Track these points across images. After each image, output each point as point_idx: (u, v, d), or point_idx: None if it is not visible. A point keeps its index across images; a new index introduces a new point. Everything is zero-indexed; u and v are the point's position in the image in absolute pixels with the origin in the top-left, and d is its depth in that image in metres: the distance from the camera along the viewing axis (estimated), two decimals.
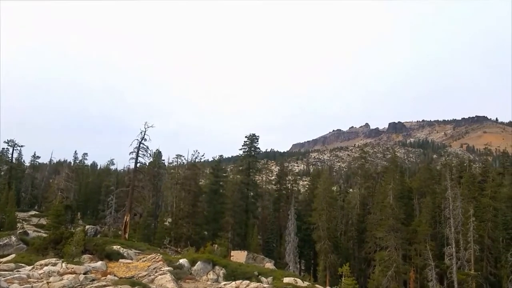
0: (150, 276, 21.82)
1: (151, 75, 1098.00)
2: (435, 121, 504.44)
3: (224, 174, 63.07)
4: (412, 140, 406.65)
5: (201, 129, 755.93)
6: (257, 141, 63.11)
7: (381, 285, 42.52)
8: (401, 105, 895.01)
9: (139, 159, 43.03)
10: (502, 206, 52.11)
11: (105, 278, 18.92)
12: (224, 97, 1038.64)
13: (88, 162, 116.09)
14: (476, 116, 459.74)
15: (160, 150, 71.09)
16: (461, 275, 40.40)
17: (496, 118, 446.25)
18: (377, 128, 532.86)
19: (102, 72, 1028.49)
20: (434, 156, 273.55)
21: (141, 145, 42.62)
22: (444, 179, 49.90)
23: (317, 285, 27.75)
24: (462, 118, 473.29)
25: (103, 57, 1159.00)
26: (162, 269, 22.80)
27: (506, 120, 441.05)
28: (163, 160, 74.25)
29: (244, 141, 63.04)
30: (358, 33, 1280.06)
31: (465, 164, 75.02)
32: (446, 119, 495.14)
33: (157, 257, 26.21)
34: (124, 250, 27.72)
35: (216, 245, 40.59)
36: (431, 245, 45.05)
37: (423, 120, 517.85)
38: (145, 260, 25.86)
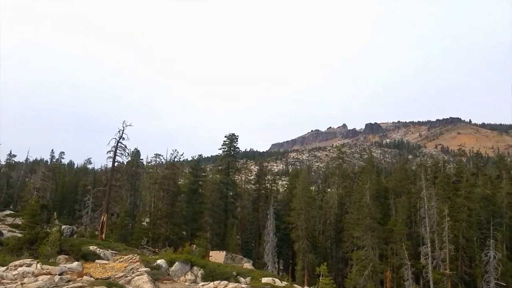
0: (127, 277, 21.60)
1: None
2: (410, 122, 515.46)
3: (203, 174, 62.72)
4: (388, 140, 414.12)
5: (182, 128, 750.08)
6: (237, 141, 63.09)
7: (358, 285, 43.07)
8: (377, 106, 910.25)
9: (117, 158, 42.41)
10: (476, 206, 53.60)
11: (81, 279, 18.67)
12: (204, 98, 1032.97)
13: (65, 161, 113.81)
14: (450, 117, 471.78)
15: (139, 149, 70.32)
16: (436, 275, 41.29)
17: (470, 120, 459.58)
18: (354, 128, 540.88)
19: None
20: (410, 156, 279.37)
21: (119, 144, 41.99)
22: (419, 179, 50.97)
23: (295, 285, 27.90)
24: (436, 120, 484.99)
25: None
26: (139, 270, 22.62)
27: (480, 122, 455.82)
28: (142, 159, 73.50)
29: (224, 141, 62.97)
30: (337, 35, 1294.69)
31: (439, 165, 76.91)
32: (421, 120, 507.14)
33: (134, 257, 25.90)
34: (101, 250, 27.29)
35: (194, 246, 40.34)
36: (407, 244, 45.88)
37: (398, 121, 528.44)
38: (122, 261, 25.53)
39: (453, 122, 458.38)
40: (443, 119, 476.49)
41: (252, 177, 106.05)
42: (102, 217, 40.55)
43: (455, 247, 45.91)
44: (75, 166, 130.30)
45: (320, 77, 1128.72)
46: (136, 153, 66.74)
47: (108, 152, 42.18)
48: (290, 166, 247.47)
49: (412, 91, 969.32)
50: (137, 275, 21.61)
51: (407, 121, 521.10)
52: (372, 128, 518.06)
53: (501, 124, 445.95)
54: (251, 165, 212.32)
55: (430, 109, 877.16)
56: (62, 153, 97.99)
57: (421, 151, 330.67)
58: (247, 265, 39.89)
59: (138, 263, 24.44)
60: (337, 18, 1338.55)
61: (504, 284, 41.29)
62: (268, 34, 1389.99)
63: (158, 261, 25.05)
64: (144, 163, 74.62)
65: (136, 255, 26.89)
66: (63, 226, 51.71)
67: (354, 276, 44.12)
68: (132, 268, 23.51)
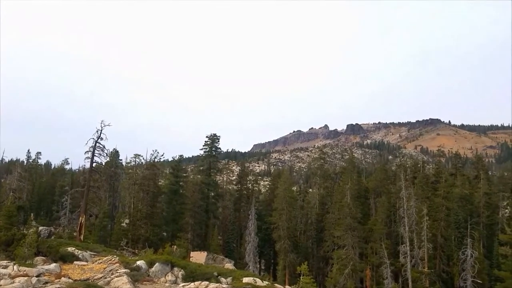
0: (106, 278, 21.54)
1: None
2: (390, 123, 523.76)
3: (184, 174, 62.27)
4: (369, 141, 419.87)
5: (164, 127, 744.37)
6: (218, 141, 62.94)
7: (339, 283, 43.46)
8: (359, 107, 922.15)
9: (95, 158, 41.65)
10: (454, 205, 54.77)
11: (59, 281, 18.53)
12: (185, 97, 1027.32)
13: (42, 161, 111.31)
14: (430, 118, 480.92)
15: (117, 150, 69.39)
16: (415, 273, 41.99)
17: (449, 121, 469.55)
18: (336, 129, 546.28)
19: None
20: (390, 157, 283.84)
21: (98, 144, 41.29)
22: (399, 180, 51.77)
23: (276, 285, 27.96)
24: (416, 121, 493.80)
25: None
26: (118, 271, 22.54)
27: (459, 123, 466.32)
28: (121, 159, 72.55)
29: (205, 141, 62.67)
30: (319, 35, 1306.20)
31: (419, 165, 78.27)
32: (401, 122, 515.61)
33: (113, 259, 25.69)
34: (79, 252, 26.92)
35: (175, 246, 40.00)
36: (387, 243, 46.56)
37: (379, 122, 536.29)
38: (101, 262, 25.38)
39: (433, 123, 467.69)
40: (423, 120, 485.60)
41: (234, 177, 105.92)
42: (80, 218, 39.87)
43: (433, 246, 46.80)
44: (52, 166, 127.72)
45: (303, 79, 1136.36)
46: (115, 154, 65.84)
47: (86, 152, 41.44)
48: (272, 166, 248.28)
49: (394, 92, 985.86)
50: (117, 276, 21.55)
51: (388, 122, 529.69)
52: (353, 129, 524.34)
53: (479, 125, 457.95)
54: (233, 166, 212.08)
55: (411, 110, 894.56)
56: (39, 153, 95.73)
57: (401, 151, 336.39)
58: (229, 265, 39.82)
59: (117, 264, 24.32)
60: (318, 19, 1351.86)
61: (480, 282, 42.24)
62: (246, 32, 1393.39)
63: (138, 262, 24.86)
64: (123, 163, 73.69)
65: (115, 256, 26.69)
66: (40, 228, 50.54)
67: (335, 275, 44.51)
68: (111, 270, 23.37)
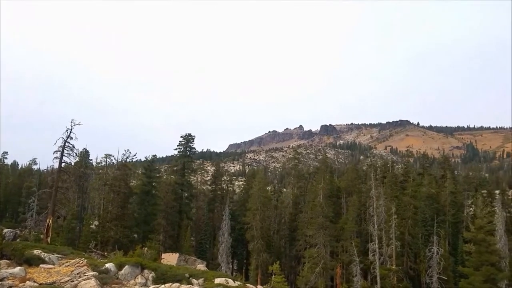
0: (73, 281, 21.30)
1: None
2: (362, 124, 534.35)
3: (158, 175, 61.41)
4: (341, 142, 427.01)
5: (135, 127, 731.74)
6: (193, 141, 62.37)
7: (310, 282, 44.02)
8: (332, 108, 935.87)
9: (64, 158, 40.70)
10: (421, 204, 56.47)
11: (24, 285, 18.15)
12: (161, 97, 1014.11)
13: (8, 161, 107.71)
14: (399, 120, 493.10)
15: (88, 149, 67.78)
16: (383, 270, 42.97)
17: (418, 122, 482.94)
18: (310, 130, 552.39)
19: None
20: (361, 157, 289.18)
21: (67, 144, 40.34)
22: (369, 179, 52.84)
23: (248, 284, 28.13)
24: (386, 122, 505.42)
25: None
26: (86, 274, 22.33)
27: (427, 124, 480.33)
28: (91, 160, 70.88)
29: (180, 141, 61.99)
30: (293, 34, 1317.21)
31: (388, 165, 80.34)
32: (373, 123, 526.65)
33: (81, 261, 25.27)
34: (46, 254, 26.43)
35: (146, 248, 39.47)
36: (357, 241, 47.46)
37: (352, 123, 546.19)
38: (68, 265, 24.99)
39: (402, 125, 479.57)
40: (393, 121, 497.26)
41: (209, 177, 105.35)
42: (48, 220, 38.88)
43: (401, 243, 48.04)
44: (19, 166, 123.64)
45: (279, 80, 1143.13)
46: (84, 153, 64.33)
47: (54, 152, 40.42)
48: (247, 166, 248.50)
49: (366, 93, 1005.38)
50: (84, 280, 21.34)
51: (360, 123, 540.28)
52: (327, 129, 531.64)
53: (446, 126, 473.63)
54: (208, 166, 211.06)
55: (382, 112, 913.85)
56: (5, 153, 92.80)
57: (372, 152, 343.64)
58: (201, 266, 39.72)
59: (85, 267, 24.04)
60: (295, 20, 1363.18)
61: (446, 278, 43.62)
62: (223, 31, 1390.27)
63: (107, 265, 24.62)
64: (94, 163, 72.12)
65: (83, 259, 26.27)
66: (5, 230, 49.00)
67: (306, 274, 45.05)
68: (79, 272, 23.13)
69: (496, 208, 53.17)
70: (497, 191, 69.49)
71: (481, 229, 38.33)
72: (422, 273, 48.91)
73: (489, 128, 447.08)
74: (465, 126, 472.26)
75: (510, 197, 73.36)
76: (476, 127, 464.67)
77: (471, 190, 70.01)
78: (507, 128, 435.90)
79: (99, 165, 70.50)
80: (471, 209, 62.59)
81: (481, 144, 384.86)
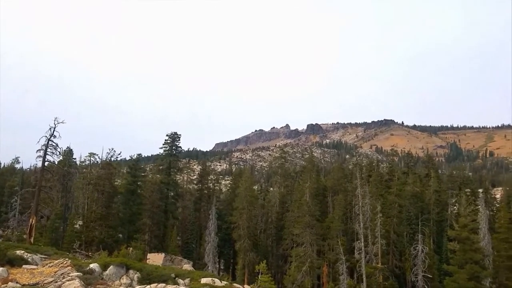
0: (56, 282, 21.18)
1: None
2: (348, 123, 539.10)
3: (143, 174, 60.71)
4: (328, 141, 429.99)
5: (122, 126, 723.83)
6: (179, 140, 61.92)
7: (296, 280, 44.14)
8: (319, 108, 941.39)
9: (48, 157, 40.07)
10: (406, 203, 57.12)
11: (6, 286, 18.03)
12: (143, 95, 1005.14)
13: None
14: (384, 119, 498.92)
15: (71, 148, 66.66)
16: (369, 268, 43.34)
17: (402, 122, 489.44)
18: (297, 129, 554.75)
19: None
20: (347, 156, 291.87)
21: (50, 143, 39.67)
22: (355, 178, 53.26)
23: (235, 284, 28.04)
24: (372, 121, 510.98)
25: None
26: (70, 275, 22.19)
27: (411, 124, 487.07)
28: (75, 158, 69.84)
29: (165, 140, 61.48)
30: (280, 33, 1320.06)
31: (373, 164, 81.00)
32: (358, 122, 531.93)
33: (65, 262, 24.98)
34: (29, 255, 26.08)
35: (131, 248, 39.06)
36: (343, 240, 47.77)
37: (337, 123, 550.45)
38: (52, 266, 24.73)
39: (387, 124, 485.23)
40: (378, 121, 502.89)
41: (195, 177, 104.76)
42: (31, 220, 38.20)
43: (387, 242, 48.58)
44: (1, 165, 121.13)
45: (266, 78, 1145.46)
46: (68, 152, 63.25)
47: (37, 151, 39.81)
48: (233, 165, 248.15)
49: (352, 92, 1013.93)
50: (68, 280, 21.21)
51: (346, 122, 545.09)
52: (314, 128, 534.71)
53: (430, 126, 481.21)
54: (194, 165, 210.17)
55: (368, 111, 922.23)
56: None
57: (358, 151, 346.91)
58: (187, 266, 39.46)
59: (69, 267, 23.87)
60: (278, 19, 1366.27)
61: (431, 276, 44.22)
62: (209, 30, 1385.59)
63: (91, 265, 24.39)
64: (78, 162, 71.05)
65: (67, 259, 25.99)
66: None
67: (293, 273, 45.16)
68: (62, 273, 22.96)
69: (479, 206, 54.15)
70: (480, 190, 70.89)
71: (465, 227, 38.94)
72: (408, 271, 49.45)
73: (472, 128, 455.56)
74: (449, 126, 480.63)
75: (493, 196, 74.92)
76: (459, 126, 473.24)
77: (455, 188, 71.01)
78: (490, 127, 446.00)
79: (83, 164, 69.55)
80: (455, 207, 63.53)
81: (464, 143, 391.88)
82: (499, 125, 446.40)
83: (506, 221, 43.24)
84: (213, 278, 25.82)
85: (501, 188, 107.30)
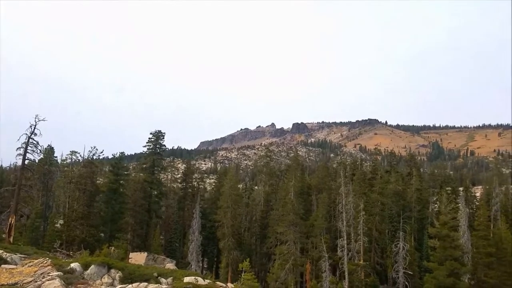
0: (36, 282, 21.03)
1: None
2: (333, 122, 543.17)
3: (126, 172, 59.98)
4: (313, 140, 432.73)
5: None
6: (163, 138, 61.29)
7: (280, 278, 44.32)
8: (304, 107, 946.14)
9: (28, 155, 39.37)
10: (388, 201, 57.96)
11: None
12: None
13: None
14: (368, 119, 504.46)
15: (52, 146, 65.44)
16: (351, 266, 43.85)
17: (386, 121, 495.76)
18: (282, 128, 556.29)
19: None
20: (332, 155, 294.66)
21: (31, 140, 38.96)
22: (339, 177, 53.73)
23: (218, 282, 28.02)
24: (356, 121, 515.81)
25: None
26: (50, 274, 22.00)
27: (394, 123, 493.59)
28: (56, 157, 68.53)
29: (149, 138, 60.79)
30: (264, 32, 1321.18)
31: (357, 163, 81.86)
32: (343, 121, 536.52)
33: (45, 261, 24.68)
34: (8, 254, 25.81)
35: (113, 248, 38.68)
36: (326, 238, 48.19)
37: (322, 122, 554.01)
38: (32, 265, 24.47)
39: (371, 123, 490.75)
40: (362, 120, 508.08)
41: (179, 175, 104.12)
42: (10, 219, 37.55)
43: (369, 239, 49.22)
44: None
45: (252, 77, 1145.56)
46: (49, 150, 62.09)
47: (18, 148, 39.06)
48: (218, 164, 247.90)
49: (337, 92, 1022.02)
50: (48, 280, 21.06)
51: (330, 121, 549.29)
52: (299, 127, 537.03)
53: (413, 125, 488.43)
54: (178, 163, 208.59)
55: (352, 110, 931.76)
56: None
57: (342, 150, 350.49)
58: (170, 265, 39.26)
59: (49, 267, 23.65)
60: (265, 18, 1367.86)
61: (411, 273, 44.94)
62: (195, 28, 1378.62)
63: (72, 265, 24.12)
64: (59, 161, 69.74)
65: (47, 258, 25.70)
66: None
67: (276, 270, 45.33)
68: (42, 273, 22.76)
69: (459, 204, 55.14)
70: (461, 188, 72.17)
71: (445, 225, 39.70)
72: (389, 268, 50.16)
73: (454, 127, 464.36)
74: (431, 125, 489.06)
75: (473, 194, 76.38)
76: (441, 126, 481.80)
77: (436, 187, 72.26)
78: (471, 127, 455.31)
79: (64, 162, 68.35)
80: (436, 205, 64.56)
81: (446, 142, 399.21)
82: (480, 125, 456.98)
83: (485, 219, 44.30)
84: (196, 277, 25.74)
85: (481, 187, 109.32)
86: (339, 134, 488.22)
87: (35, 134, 39.13)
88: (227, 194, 55.20)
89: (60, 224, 52.42)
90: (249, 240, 64.37)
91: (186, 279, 24.70)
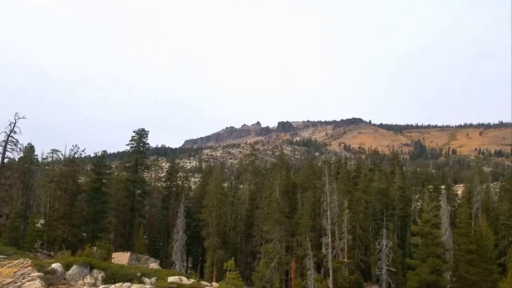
0: (16, 283, 20.68)
1: None
2: (318, 121, 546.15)
3: (108, 171, 59.07)
4: (298, 138, 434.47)
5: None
6: (147, 137, 60.53)
7: (265, 277, 44.35)
8: (289, 106, 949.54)
9: (7, 154, 38.64)
10: (372, 199, 58.60)
11: None
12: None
13: None
14: (353, 118, 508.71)
15: (33, 144, 63.91)
16: (336, 263, 44.12)
17: (370, 120, 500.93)
18: (268, 126, 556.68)
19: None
20: (317, 154, 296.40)
21: (10, 138, 38.10)
22: (324, 175, 54.02)
23: (202, 282, 27.93)
24: (341, 120, 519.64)
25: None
26: (31, 275, 21.67)
27: (378, 122, 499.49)
28: (36, 155, 66.88)
29: (132, 136, 59.95)
30: (251, 31, 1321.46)
31: (342, 162, 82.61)
32: (328, 120, 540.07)
33: (25, 262, 24.28)
34: None
35: (95, 248, 38.11)
36: (311, 236, 48.37)
37: (308, 121, 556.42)
38: (12, 266, 24.12)
39: (355, 122, 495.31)
40: (347, 119, 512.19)
41: (163, 174, 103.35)
42: None
43: (353, 237, 49.73)
44: None
45: (238, 75, 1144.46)
46: (30, 149, 60.61)
47: None
48: (203, 163, 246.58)
49: (323, 91, 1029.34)
50: (29, 281, 20.76)
51: (316, 120, 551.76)
52: (284, 126, 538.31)
53: (396, 124, 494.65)
54: (163, 162, 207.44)
55: (336, 109, 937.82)
56: None
57: (327, 148, 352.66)
58: (153, 265, 38.86)
59: (30, 267, 23.31)
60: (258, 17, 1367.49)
61: (394, 270, 45.45)
62: (184, 25, 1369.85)
63: (53, 265, 23.82)
64: (39, 159, 68.23)
65: (28, 259, 25.31)
66: None
67: (261, 269, 45.35)
68: (22, 273, 22.43)
69: (441, 202, 56.01)
70: (442, 187, 73.27)
71: (427, 222, 40.33)
72: (372, 265, 50.72)
73: (436, 126, 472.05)
74: (414, 124, 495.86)
75: (454, 192, 77.79)
76: (424, 125, 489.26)
77: (419, 185, 73.26)
78: (453, 126, 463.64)
79: (45, 161, 66.98)
80: (418, 203, 65.48)
81: (428, 141, 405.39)
82: (462, 124, 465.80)
83: (466, 217, 45.10)
84: (181, 276, 25.61)
85: (462, 185, 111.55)
86: (324, 133, 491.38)
87: (15, 132, 38.48)
88: (212, 193, 54.92)
89: (41, 224, 51.37)
90: (234, 239, 64.27)
91: (170, 279, 24.54)
